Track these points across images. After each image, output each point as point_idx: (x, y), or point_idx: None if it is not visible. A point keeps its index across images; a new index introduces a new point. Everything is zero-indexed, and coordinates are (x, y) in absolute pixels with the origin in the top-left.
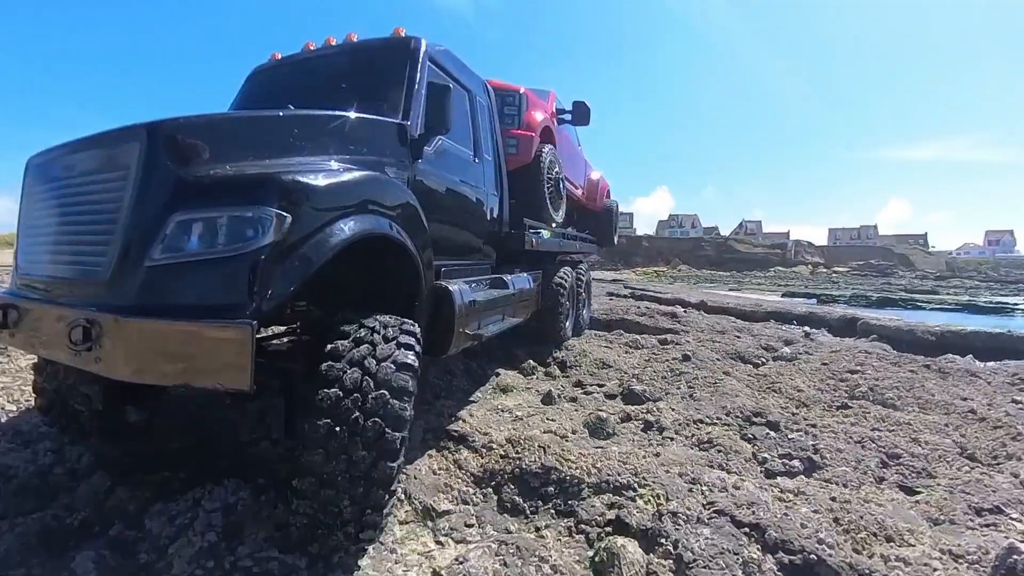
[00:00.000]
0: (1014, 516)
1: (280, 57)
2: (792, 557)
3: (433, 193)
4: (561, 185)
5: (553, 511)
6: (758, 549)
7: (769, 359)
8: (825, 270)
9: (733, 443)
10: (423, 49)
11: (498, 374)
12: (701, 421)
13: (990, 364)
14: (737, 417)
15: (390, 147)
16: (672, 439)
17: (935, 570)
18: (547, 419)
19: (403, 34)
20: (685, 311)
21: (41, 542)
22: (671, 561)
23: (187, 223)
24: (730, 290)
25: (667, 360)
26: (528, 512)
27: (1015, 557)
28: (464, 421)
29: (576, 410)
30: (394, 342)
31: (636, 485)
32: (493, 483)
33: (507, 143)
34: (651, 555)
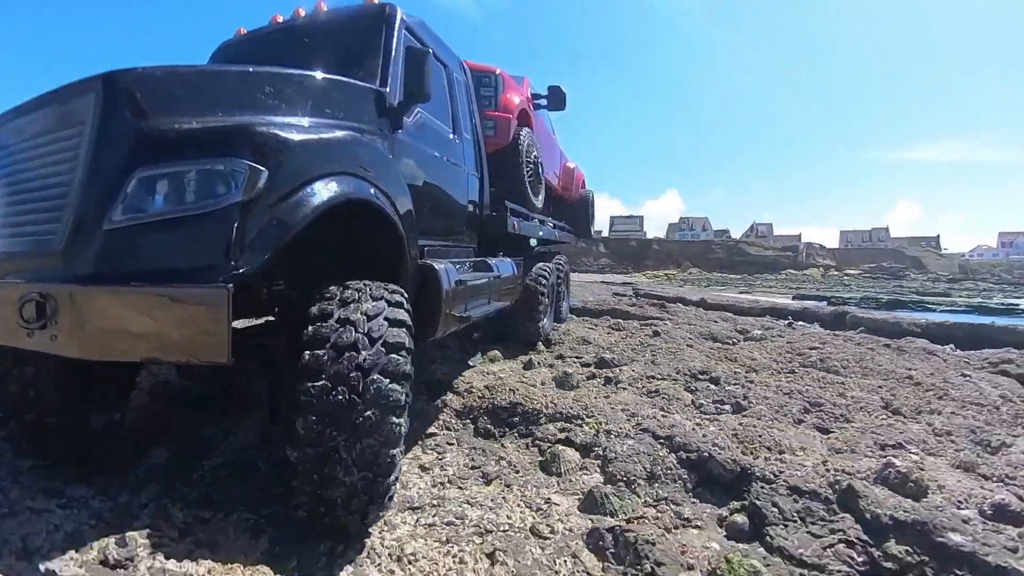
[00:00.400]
0: (913, 451)
1: (246, 32)
2: (689, 455)
3: (414, 167)
4: (540, 169)
5: (516, 433)
6: (666, 451)
7: (740, 340)
8: (836, 273)
9: (676, 393)
10: (399, 15)
11: (488, 351)
12: (653, 377)
13: (969, 352)
14: (686, 375)
15: (368, 114)
16: (625, 389)
17: (806, 466)
18: (523, 377)
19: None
20: (675, 304)
21: None
22: (600, 460)
23: (151, 179)
24: (740, 292)
25: (641, 337)
26: (497, 436)
27: (889, 470)
28: (452, 377)
29: (551, 373)
30: (382, 317)
31: (584, 416)
32: (471, 416)
33: (484, 125)
34: (586, 457)
